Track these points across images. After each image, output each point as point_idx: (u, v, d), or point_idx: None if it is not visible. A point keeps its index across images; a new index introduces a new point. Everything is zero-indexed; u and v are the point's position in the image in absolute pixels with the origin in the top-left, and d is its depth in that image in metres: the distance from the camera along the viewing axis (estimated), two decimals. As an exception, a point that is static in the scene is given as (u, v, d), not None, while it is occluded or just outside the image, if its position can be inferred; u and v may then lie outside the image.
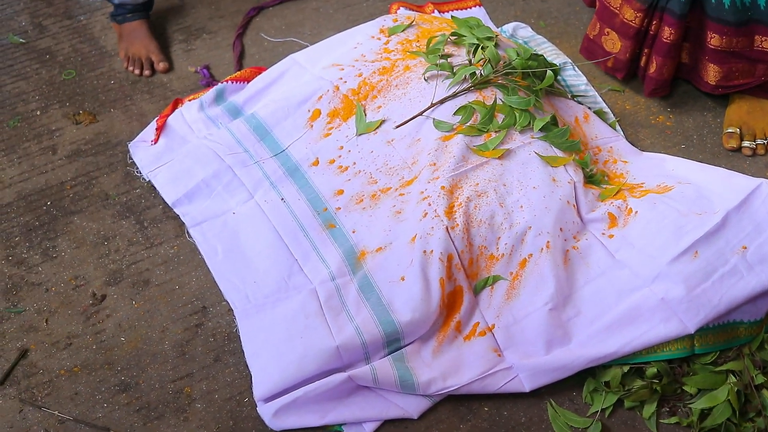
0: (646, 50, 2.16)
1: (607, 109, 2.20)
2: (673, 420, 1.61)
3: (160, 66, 2.37)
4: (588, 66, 2.34)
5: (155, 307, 1.80)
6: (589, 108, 2.13)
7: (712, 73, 2.10)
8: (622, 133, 2.13)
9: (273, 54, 2.43)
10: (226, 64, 2.40)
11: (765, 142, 2.11)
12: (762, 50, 2.04)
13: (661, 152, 2.10)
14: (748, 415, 1.61)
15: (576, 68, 2.30)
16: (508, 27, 2.45)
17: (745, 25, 2.01)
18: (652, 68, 2.15)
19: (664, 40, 2.08)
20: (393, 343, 1.65)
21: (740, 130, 2.13)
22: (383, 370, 1.60)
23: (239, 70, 2.36)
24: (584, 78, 2.28)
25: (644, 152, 2.05)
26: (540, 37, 2.42)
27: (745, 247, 1.67)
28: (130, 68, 2.37)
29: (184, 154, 2.01)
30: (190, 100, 2.18)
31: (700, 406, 1.60)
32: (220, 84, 2.20)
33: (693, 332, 1.60)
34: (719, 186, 1.79)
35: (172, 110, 2.17)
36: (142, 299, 1.81)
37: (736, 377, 1.62)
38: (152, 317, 1.78)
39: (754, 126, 2.12)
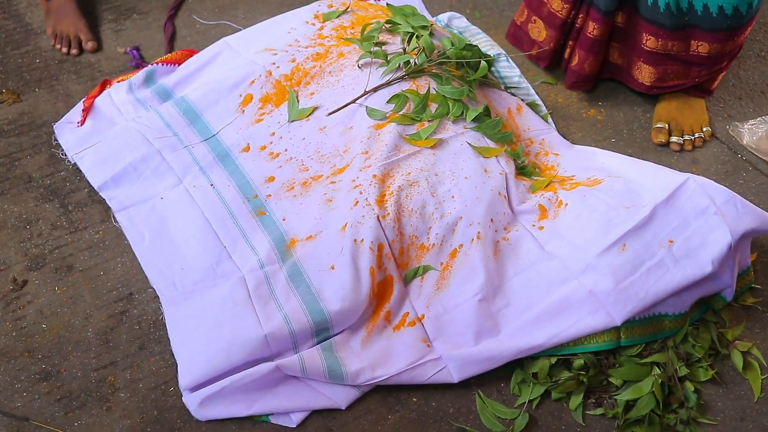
0: (570, 42, 2.20)
1: (539, 102, 2.22)
2: (599, 411, 1.63)
3: (89, 45, 2.31)
4: (521, 58, 2.36)
5: (79, 294, 1.75)
6: (522, 100, 2.15)
7: (646, 74, 2.13)
8: (554, 125, 2.15)
9: (205, 37, 2.38)
10: (157, 45, 2.35)
11: (692, 138, 2.15)
12: (697, 54, 2.07)
13: (592, 145, 2.12)
14: (671, 406, 1.64)
15: (510, 60, 2.30)
16: (444, 16, 2.44)
17: (681, 30, 2.03)
18: (575, 61, 2.19)
19: (588, 35, 2.11)
20: (322, 332, 1.64)
21: (669, 125, 2.16)
22: (311, 359, 1.58)
23: (170, 52, 2.31)
24: (518, 70, 2.28)
25: (575, 145, 2.07)
26: (475, 27, 2.42)
27: (672, 241, 1.70)
28: (57, 46, 2.31)
29: (112, 136, 1.96)
30: (118, 82, 2.13)
31: (625, 398, 1.62)
32: (150, 66, 2.15)
33: (620, 324, 1.62)
34: (648, 180, 1.81)
35: (100, 91, 2.11)
36: (65, 285, 1.76)
37: (660, 369, 1.65)
38: (75, 304, 1.73)
39: (683, 122, 2.16)
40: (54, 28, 2.32)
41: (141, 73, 2.13)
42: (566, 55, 2.23)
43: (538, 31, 2.24)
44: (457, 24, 2.43)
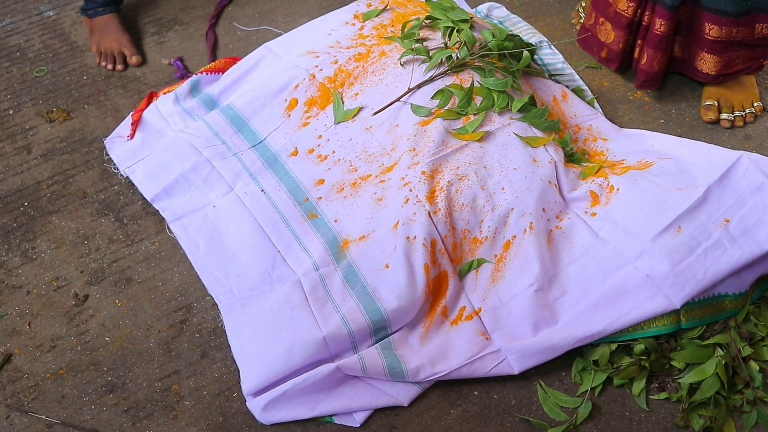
0: (639, 41, 2.15)
1: (584, 87, 2.20)
2: (663, 395, 1.61)
3: (133, 60, 2.34)
4: (564, 44, 2.34)
5: (139, 305, 1.78)
6: (567, 86, 2.13)
7: (711, 64, 2.09)
8: (600, 110, 2.13)
9: (247, 43, 2.40)
10: (200, 55, 2.38)
11: (743, 114, 2.12)
12: (763, 36, 2.04)
13: (640, 128, 2.10)
14: (736, 387, 1.62)
15: (552, 47, 2.29)
16: (483, 7, 2.43)
17: (745, 15, 1.99)
18: (644, 60, 2.13)
19: (656, 32, 2.06)
20: (380, 331, 1.65)
21: (718, 102, 2.13)
22: (371, 358, 1.59)
23: (213, 60, 2.34)
24: (560, 56, 2.27)
25: (624, 129, 2.04)
26: (515, 16, 2.41)
27: (728, 221, 1.67)
28: (103, 63, 2.34)
29: (162, 148, 1.99)
30: (164, 93, 2.16)
31: (688, 381, 1.61)
32: (194, 75, 2.18)
33: (679, 307, 1.61)
34: (700, 160, 1.79)
35: (147, 104, 2.14)
36: (125, 297, 1.79)
37: (723, 350, 1.63)
38: (136, 315, 1.76)
39: (732, 99, 2.12)
40: (98, 46, 2.35)
41: (186, 84, 2.15)
42: (636, 55, 2.17)
43: (606, 33, 2.20)
44: (497, 14, 2.42)
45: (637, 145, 1.94)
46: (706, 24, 2.02)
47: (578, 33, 2.34)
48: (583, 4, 2.44)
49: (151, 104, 2.14)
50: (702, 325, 1.65)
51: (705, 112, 2.13)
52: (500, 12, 2.43)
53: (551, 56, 2.27)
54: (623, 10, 2.11)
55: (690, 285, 1.61)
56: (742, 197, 1.70)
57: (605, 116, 2.10)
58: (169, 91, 2.16)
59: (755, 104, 2.13)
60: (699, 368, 1.62)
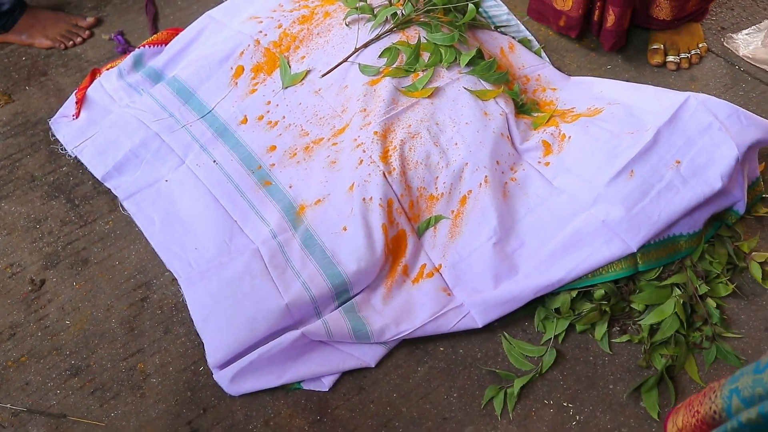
0: (598, 3, 2.10)
1: (531, 37, 2.20)
2: (625, 338, 1.64)
3: (89, 21, 2.30)
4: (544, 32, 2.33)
5: (97, 286, 1.76)
6: (513, 37, 2.13)
7: (667, 10, 2.09)
8: (548, 59, 2.13)
9: (188, 13, 2.36)
10: (141, 28, 2.33)
11: (689, 55, 2.14)
12: None
13: (587, 75, 2.11)
14: (695, 324, 1.65)
15: (497, -1, 2.28)
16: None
17: None
18: (610, 21, 2.09)
19: None
20: (342, 294, 1.65)
21: (664, 46, 2.14)
22: (335, 322, 1.59)
23: (155, 33, 2.29)
24: (505, 7, 2.26)
25: (572, 77, 2.05)
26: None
27: (679, 162, 1.69)
28: (61, 46, 2.28)
29: (109, 125, 1.95)
30: (108, 69, 2.12)
31: (649, 322, 1.64)
32: (137, 49, 2.13)
33: (635, 250, 1.63)
34: (648, 104, 1.80)
35: (91, 81, 2.10)
36: (82, 279, 1.77)
37: (680, 290, 1.66)
38: (95, 296, 1.74)
39: (678, 41, 2.14)
40: (45, 40, 2.28)
41: (129, 58, 2.11)
42: (596, 18, 2.13)
43: (563, 0, 2.14)
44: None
45: (586, 92, 1.95)
46: None
47: (528, 5, 2.27)
48: None
49: (95, 81, 2.10)
50: (659, 267, 1.68)
51: (651, 56, 2.14)
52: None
53: (495, 8, 2.26)
54: None
55: (645, 228, 1.63)
56: (692, 138, 1.71)
57: (553, 65, 2.10)
58: (112, 67, 2.11)
59: (700, 45, 2.15)
60: (658, 309, 1.65)
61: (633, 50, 2.19)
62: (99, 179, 1.90)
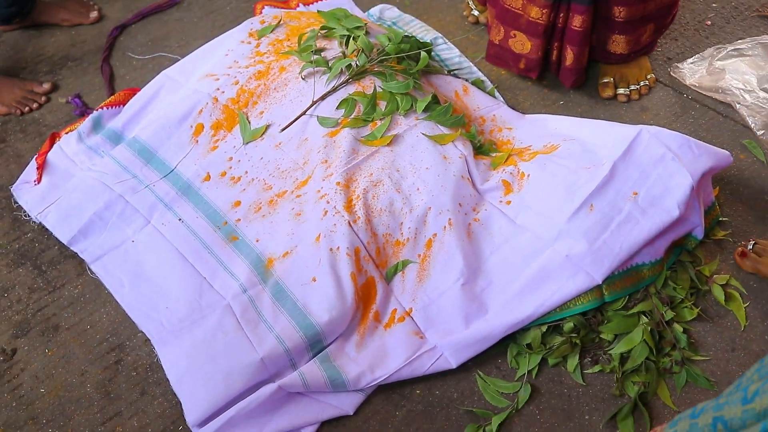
0: (556, 44, 2.14)
1: (484, 78, 2.25)
2: (597, 368, 1.67)
3: (45, 87, 2.31)
4: (459, 38, 2.38)
5: (70, 352, 1.75)
6: (467, 80, 2.17)
7: (623, 44, 2.13)
8: (502, 99, 2.18)
9: (143, 72, 2.38)
10: (98, 89, 2.35)
11: (638, 87, 2.20)
12: (662, 5, 2.09)
13: (541, 112, 2.16)
14: (664, 350, 1.69)
15: (447, 42, 2.33)
16: (375, 10, 2.46)
17: None
18: (569, 59, 2.14)
19: (576, 29, 2.07)
20: (316, 345, 1.66)
21: (614, 79, 2.20)
22: (311, 373, 1.60)
23: (112, 94, 2.31)
24: (456, 50, 2.31)
25: (526, 115, 2.10)
26: (407, 15, 2.45)
27: (636, 193, 1.74)
28: (18, 112, 2.29)
29: (71, 189, 1.96)
30: (67, 133, 2.12)
31: (619, 351, 1.67)
32: (95, 111, 2.14)
33: (601, 282, 1.66)
34: (602, 138, 1.85)
35: (50, 146, 2.10)
36: (54, 346, 1.76)
37: (647, 317, 1.70)
38: (69, 362, 1.73)
39: (627, 74, 2.20)
40: (2, 104, 2.28)
41: (88, 121, 2.12)
42: (554, 58, 2.18)
43: (522, 44, 2.17)
44: (389, 15, 2.45)
45: (541, 129, 2.00)
46: (615, 8, 2.06)
47: (487, 51, 2.30)
48: None
49: (55, 146, 2.10)
50: (625, 296, 1.72)
51: (603, 89, 2.20)
52: (392, 13, 2.46)
53: (447, 51, 2.31)
54: (537, 18, 2.09)
55: (608, 260, 1.67)
56: (646, 169, 1.76)
57: (507, 104, 2.15)
58: (71, 130, 2.12)
59: (648, 77, 2.22)
60: (627, 337, 1.68)
61: (584, 85, 2.24)
62: (65, 244, 1.90)
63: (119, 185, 1.93)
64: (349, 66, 1.92)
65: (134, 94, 2.17)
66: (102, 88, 2.35)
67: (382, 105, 1.88)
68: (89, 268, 1.87)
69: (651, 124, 2.10)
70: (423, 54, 1.95)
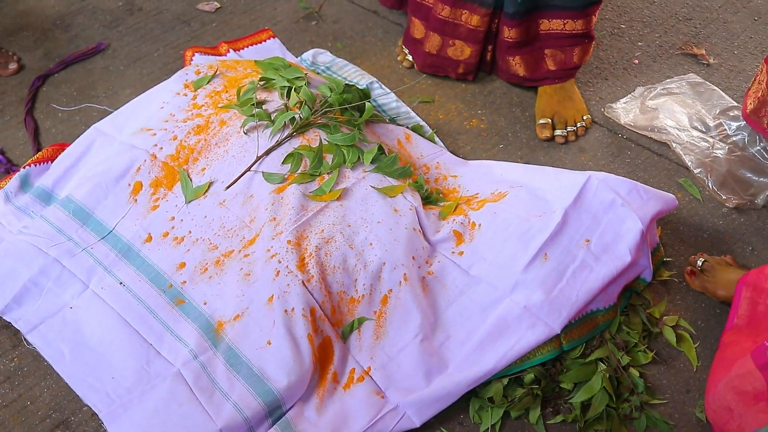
0: (489, 47, 2.33)
1: (422, 123, 2.23)
2: (559, 419, 1.66)
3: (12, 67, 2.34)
4: (394, 81, 2.36)
5: (9, 431, 1.65)
6: (406, 126, 2.15)
7: (522, 67, 2.30)
8: (442, 144, 2.17)
9: (70, 124, 2.29)
10: (22, 144, 2.24)
11: (575, 128, 2.22)
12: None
13: (482, 156, 2.16)
14: (623, 396, 1.69)
15: (383, 86, 2.31)
16: (308, 55, 2.43)
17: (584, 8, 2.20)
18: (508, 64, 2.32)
19: (508, 39, 2.25)
20: (275, 411, 1.60)
21: (552, 119, 2.22)
22: (273, 443, 1.55)
23: (37, 147, 2.21)
24: (393, 95, 2.30)
25: (469, 161, 2.09)
26: (340, 60, 2.42)
27: (588, 240, 1.75)
28: None
29: (2, 255, 1.85)
30: (-8, 193, 2.02)
31: (579, 399, 1.67)
32: (22, 169, 2.04)
33: (559, 332, 1.66)
34: (551, 185, 1.85)
35: (-25, 207, 2.00)
36: (-8, 426, 1.67)
37: (604, 363, 1.70)
38: (9, 444, 1.64)
39: (565, 114, 2.23)
40: None
41: (14, 179, 2.02)
42: (488, 59, 2.36)
43: (461, 51, 2.32)
44: (322, 59, 2.42)
45: (486, 176, 1.99)
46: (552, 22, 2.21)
47: (423, 61, 2.41)
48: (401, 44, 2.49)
49: (-21, 207, 1.99)
50: (582, 344, 1.72)
51: (540, 130, 2.22)
52: (325, 57, 2.43)
53: (384, 96, 2.29)
54: (477, 27, 2.25)
55: (566, 309, 1.68)
56: (597, 215, 1.78)
57: (448, 150, 2.14)
58: (-3, 190, 2.02)
59: (584, 117, 2.24)
60: (587, 386, 1.68)
61: (521, 127, 2.26)
62: (-3, 314, 1.80)
63: (54, 249, 1.84)
64: (293, 119, 1.88)
65: (62, 150, 2.08)
66: (26, 142, 2.24)
67: (329, 158, 1.84)
68: (25, 339, 1.77)
69: (590, 166, 2.13)
70: (368, 105, 1.93)
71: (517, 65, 2.29)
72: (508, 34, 2.22)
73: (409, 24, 2.36)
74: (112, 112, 2.18)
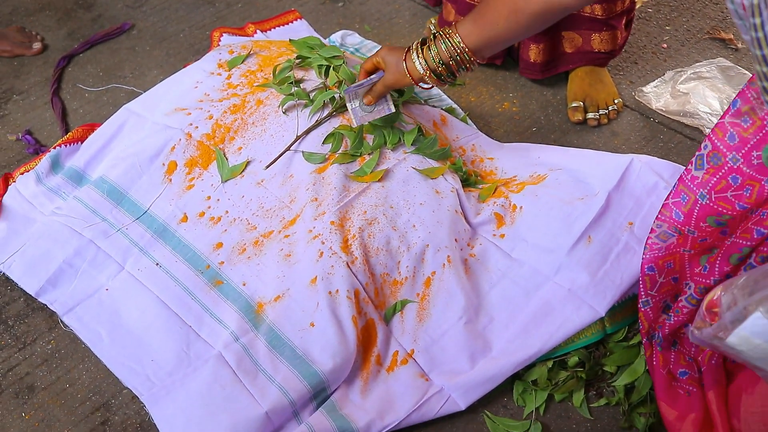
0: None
1: (455, 106, 2.21)
2: (603, 402, 1.65)
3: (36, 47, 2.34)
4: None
5: (50, 414, 1.63)
6: (440, 108, 2.13)
7: (603, 41, 2.22)
8: (474, 126, 2.15)
9: (98, 105, 2.26)
10: (50, 125, 2.21)
11: (607, 111, 2.20)
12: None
13: (515, 139, 2.15)
14: (666, 379, 1.68)
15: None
16: (336, 36, 2.40)
17: None
18: (533, 55, 2.24)
19: None
20: (320, 393, 1.59)
21: (584, 103, 2.21)
22: (320, 425, 1.53)
23: (64, 128, 2.18)
24: (424, 77, 2.27)
25: (504, 144, 2.07)
26: (369, 41, 2.40)
27: (632, 223, 1.74)
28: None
29: (37, 236, 1.83)
30: (22, 174, 1.99)
31: (623, 383, 1.65)
32: (52, 150, 2.01)
33: (604, 315, 1.65)
34: (592, 168, 1.84)
35: (5, 188, 1.97)
36: (31, 408, 1.63)
37: (648, 347, 1.69)
38: (49, 426, 1.61)
39: (597, 97, 2.21)
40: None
41: (45, 160, 1.99)
42: (516, 46, 2.29)
43: None
44: (350, 41, 2.40)
45: (524, 159, 1.97)
46: (596, 6, 2.13)
47: None
48: (434, 21, 2.45)
49: (10, 187, 1.97)
50: (625, 327, 1.71)
51: (572, 114, 2.20)
52: (354, 39, 2.41)
53: (415, 78, 2.26)
54: None
55: (611, 291, 1.67)
56: (640, 198, 1.76)
57: (481, 132, 2.12)
58: (27, 170, 1.99)
59: (616, 101, 2.23)
60: (630, 369, 1.67)
61: (553, 110, 2.24)
62: (32, 295, 1.77)
63: (89, 230, 1.82)
64: (333, 98, 1.85)
65: (92, 130, 2.05)
66: (54, 123, 2.21)
67: (369, 139, 1.82)
68: (61, 321, 1.75)
69: (623, 149, 2.12)
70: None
71: (538, 53, 2.22)
72: None
73: (443, 7, 2.32)
74: (140, 93, 2.17)
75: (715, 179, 1.37)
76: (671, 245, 1.48)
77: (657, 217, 1.48)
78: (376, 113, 1.77)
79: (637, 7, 2.25)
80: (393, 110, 1.77)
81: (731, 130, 1.34)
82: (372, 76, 1.71)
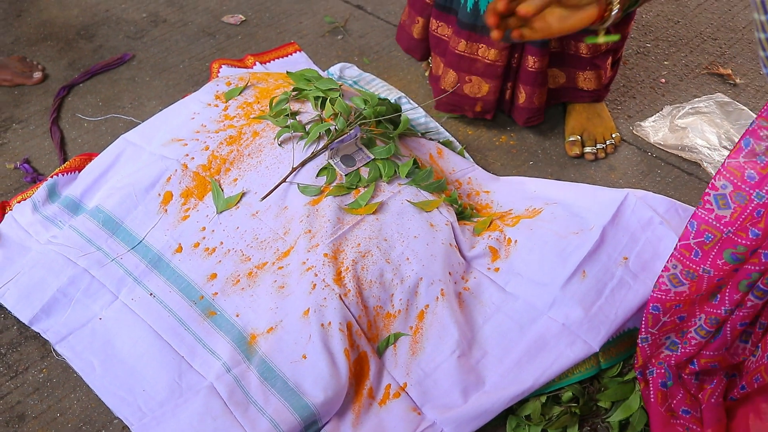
0: (509, 84, 2.17)
1: (452, 138, 2.22)
2: (596, 438, 1.65)
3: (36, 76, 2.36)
4: (422, 96, 2.35)
5: (40, 444, 1.63)
6: (437, 141, 2.14)
7: (592, 80, 2.18)
8: (471, 159, 2.16)
9: (96, 135, 2.27)
10: (48, 153, 2.22)
11: (605, 145, 2.21)
12: (624, 36, 2.15)
13: (512, 172, 2.15)
14: (661, 416, 1.67)
15: (411, 101, 2.30)
16: (335, 69, 2.42)
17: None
18: (521, 99, 2.16)
19: (530, 70, 2.09)
20: (311, 426, 1.58)
21: (581, 137, 2.21)
22: (310, 458, 1.53)
23: (63, 157, 2.19)
24: (421, 110, 2.28)
25: (501, 177, 2.08)
26: (368, 74, 2.41)
27: (626, 258, 1.73)
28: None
29: (31, 264, 1.83)
30: (19, 202, 2.00)
31: (617, 419, 1.64)
32: (49, 179, 2.02)
33: (598, 350, 1.64)
34: (587, 202, 1.84)
35: (1, 216, 1.97)
36: (21, 438, 1.63)
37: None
38: (39, 456, 1.61)
39: (594, 131, 2.21)
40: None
41: (42, 188, 2.00)
42: (507, 97, 2.20)
43: (478, 87, 2.17)
44: (349, 74, 2.41)
45: (519, 192, 1.98)
46: (580, 45, 2.09)
47: (439, 100, 2.27)
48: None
49: (6, 215, 1.97)
50: (620, 362, 1.70)
51: (570, 148, 2.20)
52: (352, 72, 2.42)
53: (412, 111, 2.28)
54: (495, 61, 2.10)
55: (605, 326, 1.66)
56: (635, 233, 1.76)
57: (478, 165, 2.12)
58: (23, 199, 1.99)
59: (614, 135, 2.23)
60: (624, 404, 1.66)
61: (550, 144, 2.24)
62: (26, 323, 1.77)
63: (84, 259, 1.82)
64: (328, 131, 1.86)
65: (90, 160, 2.06)
66: (52, 152, 2.22)
67: (365, 171, 1.83)
68: (54, 350, 1.74)
69: (620, 184, 2.12)
70: (404, 117, 1.92)
71: (537, 98, 2.18)
72: (532, 64, 2.09)
73: (432, 60, 2.31)
74: (138, 123, 2.17)
75: (743, 216, 1.37)
76: (682, 293, 1.48)
77: (673, 256, 1.47)
78: (357, 164, 1.80)
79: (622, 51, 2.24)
80: (372, 157, 1.79)
81: (749, 169, 1.34)
82: (351, 132, 1.73)
